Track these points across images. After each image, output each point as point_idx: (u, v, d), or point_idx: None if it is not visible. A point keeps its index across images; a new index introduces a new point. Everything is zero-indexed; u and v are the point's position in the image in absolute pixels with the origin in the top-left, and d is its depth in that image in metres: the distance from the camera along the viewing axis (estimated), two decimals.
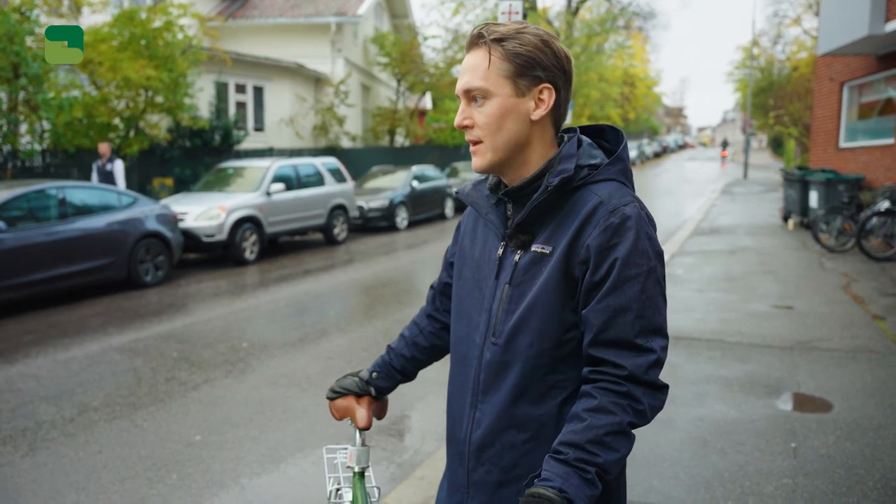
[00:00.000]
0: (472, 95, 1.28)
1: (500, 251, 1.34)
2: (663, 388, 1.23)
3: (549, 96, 1.28)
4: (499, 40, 1.26)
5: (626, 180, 1.31)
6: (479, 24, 1.30)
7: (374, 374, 1.62)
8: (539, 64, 1.26)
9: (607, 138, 1.39)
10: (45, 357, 5.80)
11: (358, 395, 1.62)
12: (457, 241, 1.54)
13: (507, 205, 1.36)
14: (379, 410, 1.65)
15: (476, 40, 1.28)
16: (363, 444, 1.58)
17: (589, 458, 1.14)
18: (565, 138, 1.36)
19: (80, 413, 4.52)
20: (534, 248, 1.29)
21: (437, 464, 3.57)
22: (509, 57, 1.25)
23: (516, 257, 1.31)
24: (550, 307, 1.25)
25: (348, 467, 1.58)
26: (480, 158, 1.31)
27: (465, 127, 1.31)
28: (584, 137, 1.36)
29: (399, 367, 1.62)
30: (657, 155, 52.24)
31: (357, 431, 1.59)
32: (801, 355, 5.28)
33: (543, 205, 1.27)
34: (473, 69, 1.28)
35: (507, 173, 1.33)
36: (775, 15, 37.10)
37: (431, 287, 1.66)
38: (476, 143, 1.30)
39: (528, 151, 1.31)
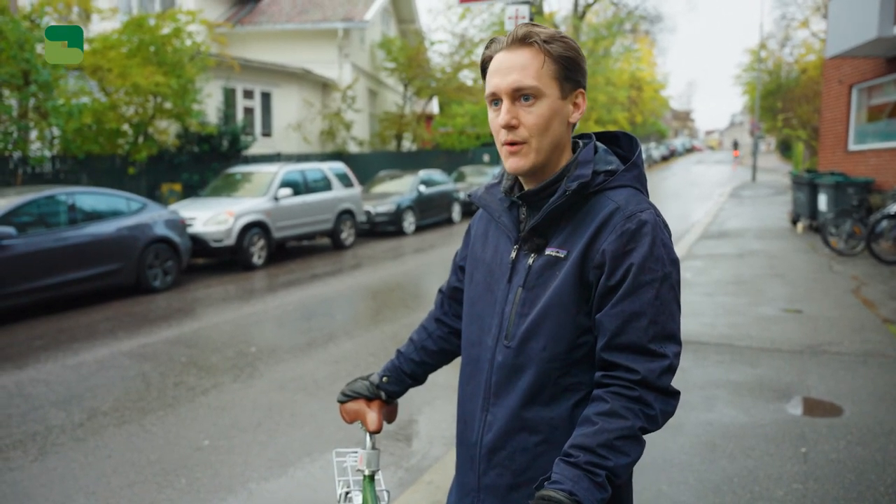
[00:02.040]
0: (521, 94, 1.25)
1: (513, 254, 1.35)
2: (675, 395, 1.23)
3: (582, 101, 1.30)
4: (547, 41, 1.24)
5: (641, 187, 1.32)
6: (521, 25, 1.27)
7: (385, 379, 1.63)
8: (579, 68, 1.28)
9: (621, 145, 1.40)
10: (54, 362, 5.83)
11: (368, 399, 1.62)
12: (467, 245, 1.54)
13: (521, 208, 1.36)
14: (389, 414, 1.65)
15: (524, 39, 1.25)
16: (373, 448, 1.58)
17: (599, 461, 1.14)
18: (580, 144, 1.37)
19: (89, 418, 4.54)
20: (548, 251, 1.29)
21: (445, 468, 3.57)
22: (558, 59, 1.25)
23: (530, 261, 1.31)
24: (564, 311, 1.26)
25: (358, 470, 1.58)
26: (523, 159, 1.27)
27: (512, 127, 1.26)
28: (599, 144, 1.37)
29: (409, 371, 1.63)
30: (665, 158, 52.11)
31: (367, 435, 1.59)
32: (810, 359, 5.25)
33: (559, 209, 1.28)
34: (523, 68, 1.24)
35: (535, 176, 1.32)
36: (783, 17, 37.10)
37: (440, 291, 1.66)
38: (519, 143, 1.27)
39: (559, 155, 1.31)
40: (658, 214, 1.26)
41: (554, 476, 1.15)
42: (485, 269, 1.41)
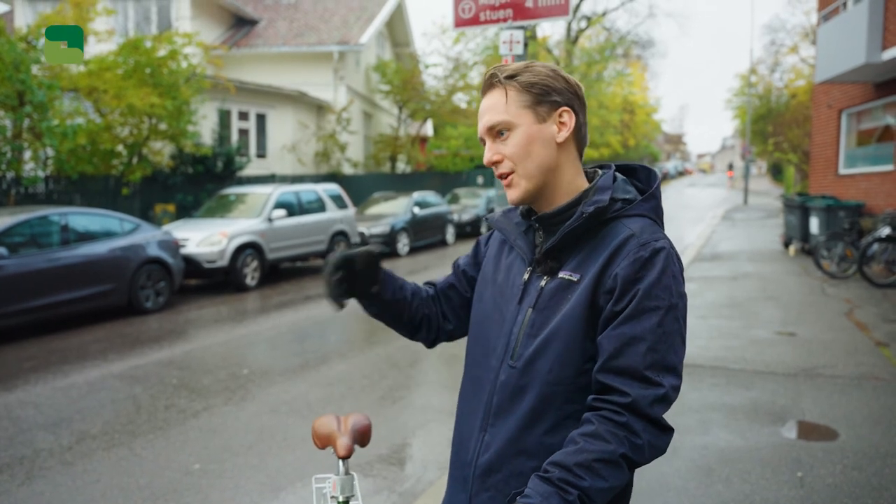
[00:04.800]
0: (496, 131, 1.32)
1: (526, 276, 1.35)
2: (667, 430, 1.20)
3: (569, 118, 1.32)
4: (511, 76, 1.31)
5: (657, 218, 1.34)
6: (489, 68, 1.34)
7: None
8: (554, 90, 1.31)
9: (639, 177, 1.42)
10: (44, 384, 5.76)
11: (350, 292, 1.47)
12: (475, 255, 1.54)
13: (537, 232, 1.38)
14: (362, 438, 1.63)
15: (490, 81, 1.33)
16: (346, 473, 1.56)
17: (574, 480, 1.12)
18: (600, 172, 1.39)
19: (78, 441, 4.48)
20: (561, 274, 1.30)
21: (438, 493, 3.52)
22: (525, 88, 1.30)
23: (542, 283, 1.32)
24: (573, 335, 1.25)
25: (332, 497, 1.56)
26: (515, 189, 1.32)
27: (495, 163, 1.33)
28: (618, 174, 1.39)
29: (400, 283, 1.54)
30: None
31: (339, 461, 1.57)
32: (805, 382, 5.24)
33: (575, 232, 1.29)
34: (493, 107, 1.31)
35: (539, 201, 1.35)
36: (772, 43, 37.45)
37: (433, 283, 1.60)
38: (508, 174, 1.32)
39: (558, 175, 1.33)
40: (672, 247, 1.28)
41: (526, 490, 1.14)
42: (495, 290, 1.41)
